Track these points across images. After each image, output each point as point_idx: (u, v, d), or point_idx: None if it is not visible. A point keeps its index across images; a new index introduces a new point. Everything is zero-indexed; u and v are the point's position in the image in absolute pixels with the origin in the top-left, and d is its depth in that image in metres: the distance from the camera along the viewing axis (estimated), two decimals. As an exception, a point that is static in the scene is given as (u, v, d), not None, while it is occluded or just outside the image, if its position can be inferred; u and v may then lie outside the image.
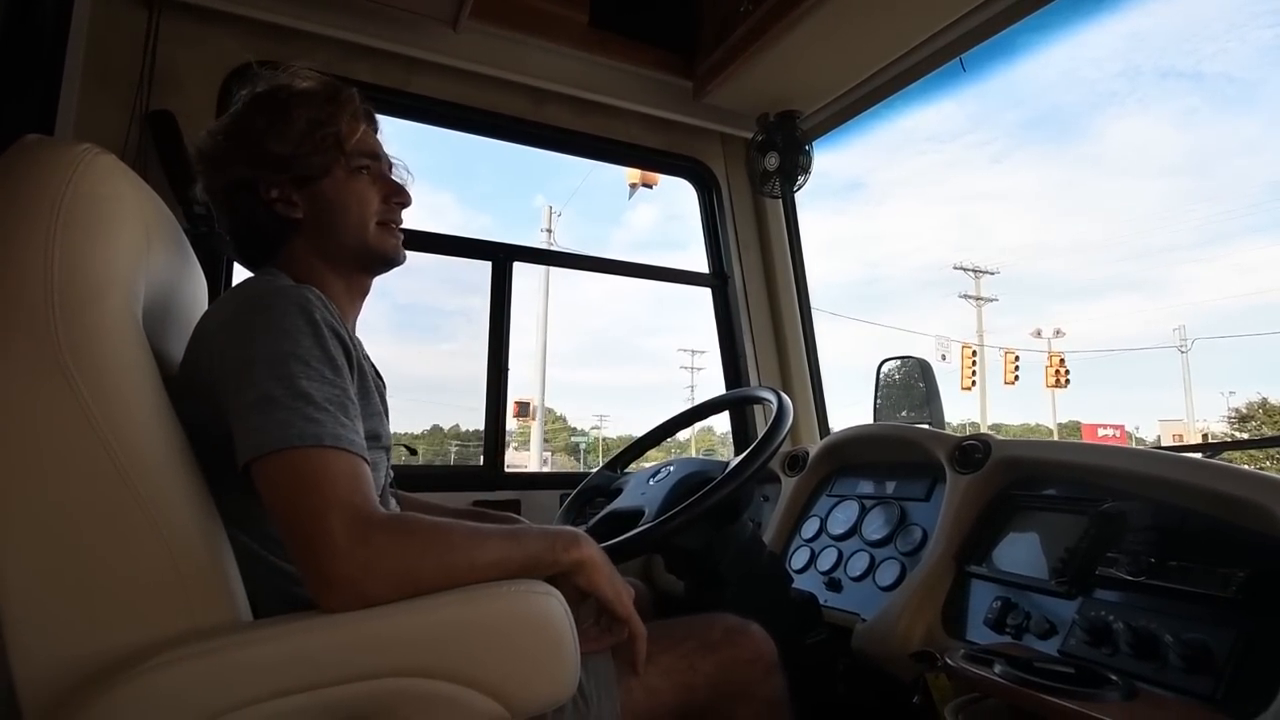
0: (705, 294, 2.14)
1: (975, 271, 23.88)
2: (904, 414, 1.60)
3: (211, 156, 0.85)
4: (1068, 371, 21.23)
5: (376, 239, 0.88)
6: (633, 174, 8.36)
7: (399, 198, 0.90)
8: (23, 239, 0.59)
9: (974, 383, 20.50)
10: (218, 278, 1.43)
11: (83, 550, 0.58)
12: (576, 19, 1.68)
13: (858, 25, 1.51)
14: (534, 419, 17.03)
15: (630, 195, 13.33)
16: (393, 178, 0.92)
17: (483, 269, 1.80)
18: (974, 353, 20.95)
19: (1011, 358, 20.66)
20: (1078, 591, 0.90)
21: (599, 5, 1.71)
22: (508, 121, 1.80)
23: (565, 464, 35.05)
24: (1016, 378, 20.54)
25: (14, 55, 1.24)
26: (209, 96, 1.46)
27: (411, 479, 1.50)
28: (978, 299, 23.57)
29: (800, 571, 1.33)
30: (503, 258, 1.80)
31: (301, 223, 0.85)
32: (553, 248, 14.87)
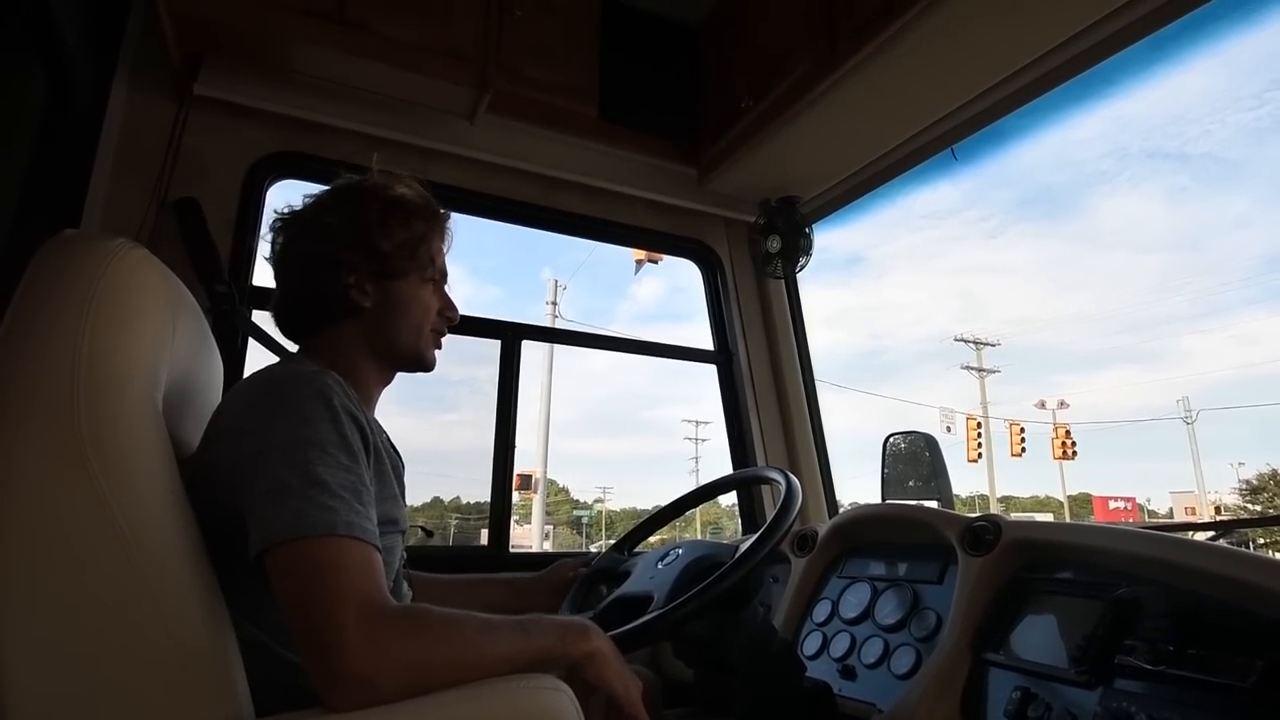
0: (709, 366, 2.17)
1: (976, 343, 24.01)
2: (911, 484, 1.59)
3: (305, 225, 0.90)
4: (1074, 443, 21.04)
5: (425, 344, 0.94)
6: (639, 251, 8.58)
7: (451, 313, 0.97)
8: (53, 331, 0.62)
9: (980, 454, 20.30)
10: (235, 356, 1.46)
11: (88, 640, 0.58)
12: (587, 112, 1.76)
13: (852, 119, 1.59)
14: (536, 492, 16.79)
15: (636, 271, 13.64)
16: (448, 294, 0.99)
17: (491, 340, 1.83)
18: (979, 424, 20.82)
19: (1017, 429, 20.52)
20: (1097, 681, 0.88)
21: (608, 100, 1.80)
22: (519, 207, 1.87)
23: (568, 538, 34.37)
24: (1023, 449, 20.35)
25: (51, 143, 1.30)
26: (234, 184, 1.53)
27: (416, 560, 1.47)
28: (980, 370, 23.61)
29: (813, 658, 1.29)
30: (511, 336, 1.83)
31: (365, 311, 0.89)
32: (558, 321, 15.10)
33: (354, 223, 0.88)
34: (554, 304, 16.58)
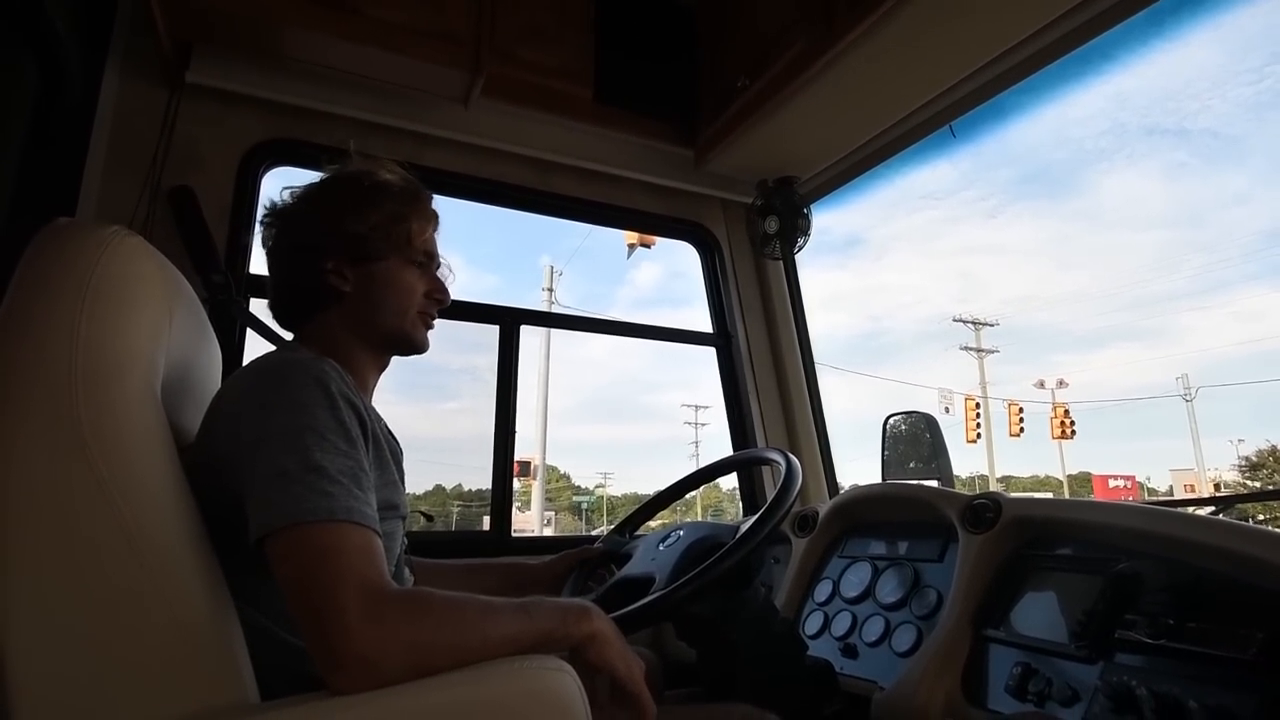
0: (709, 350, 2.17)
1: (975, 323, 23.96)
2: (911, 465, 1.59)
3: (287, 216, 0.91)
4: (1073, 423, 21.05)
5: (411, 326, 0.93)
6: (631, 235, 8.54)
7: (440, 295, 0.96)
8: (50, 319, 0.61)
9: (979, 435, 20.31)
10: (232, 345, 1.46)
11: (93, 627, 0.58)
12: (582, 95, 1.74)
13: (849, 97, 1.57)
14: (535, 479, 16.83)
15: (629, 255, 13.69)
16: (439, 277, 0.98)
17: (489, 327, 1.83)
18: (978, 405, 20.80)
19: (1016, 409, 20.51)
20: (1098, 656, 0.89)
21: (603, 82, 1.78)
22: (515, 191, 1.86)
23: (569, 523, 34.56)
24: (1022, 429, 20.35)
25: (43, 133, 1.30)
26: (228, 172, 1.52)
27: (419, 545, 1.48)
28: (978, 350, 23.58)
29: (814, 637, 1.30)
30: (510, 321, 1.83)
31: (346, 296, 0.89)
32: (553, 307, 15.06)
33: (327, 208, 0.90)
34: (550, 290, 16.56)
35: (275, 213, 0.93)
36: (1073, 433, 21.08)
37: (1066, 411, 21.23)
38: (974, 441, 20.20)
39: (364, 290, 0.89)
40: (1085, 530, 1.04)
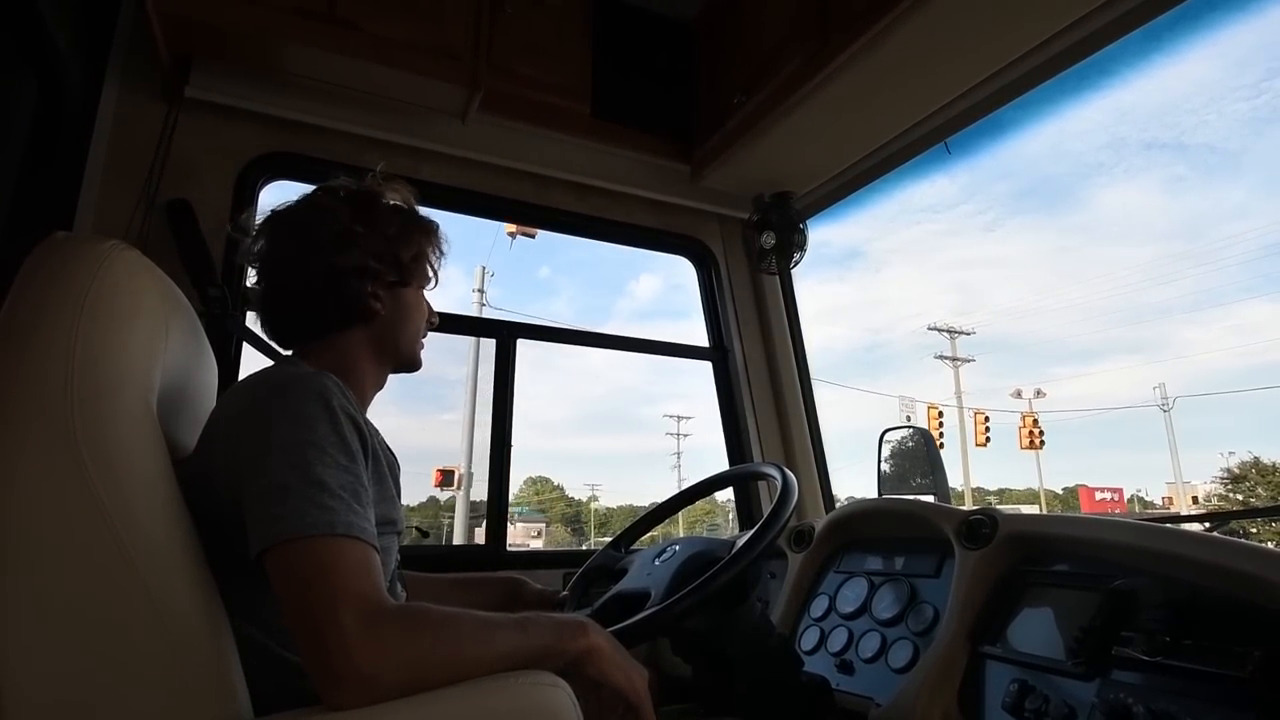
0: (705, 363, 2.17)
1: (950, 331, 23.87)
2: (909, 481, 1.60)
3: (340, 234, 0.90)
4: (1042, 433, 20.89)
5: (419, 347, 1.00)
6: (510, 225, 8.34)
7: (433, 318, 1.03)
8: (47, 333, 0.61)
9: (942, 444, 20.03)
10: (228, 359, 1.46)
11: (86, 642, 0.58)
12: (579, 110, 1.75)
13: (845, 114, 1.59)
14: (459, 488, 15.30)
15: (510, 245, 13.74)
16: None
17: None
18: (940, 414, 20.52)
19: (982, 418, 20.30)
20: (1095, 673, 0.89)
21: (601, 97, 1.79)
22: (512, 205, 1.87)
23: (561, 537, 34.44)
24: (988, 439, 20.16)
25: (42, 147, 1.30)
26: (226, 186, 1.52)
27: (414, 559, 1.47)
28: (954, 360, 23.44)
29: (811, 653, 1.29)
30: (506, 334, 1.83)
31: (377, 318, 0.92)
32: (486, 310, 14.38)
33: (380, 234, 0.92)
34: (481, 291, 15.95)
35: (331, 230, 0.89)
36: (1041, 443, 20.90)
37: (1035, 421, 21.05)
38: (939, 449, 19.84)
39: (393, 313, 0.94)
40: (1082, 546, 1.04)
